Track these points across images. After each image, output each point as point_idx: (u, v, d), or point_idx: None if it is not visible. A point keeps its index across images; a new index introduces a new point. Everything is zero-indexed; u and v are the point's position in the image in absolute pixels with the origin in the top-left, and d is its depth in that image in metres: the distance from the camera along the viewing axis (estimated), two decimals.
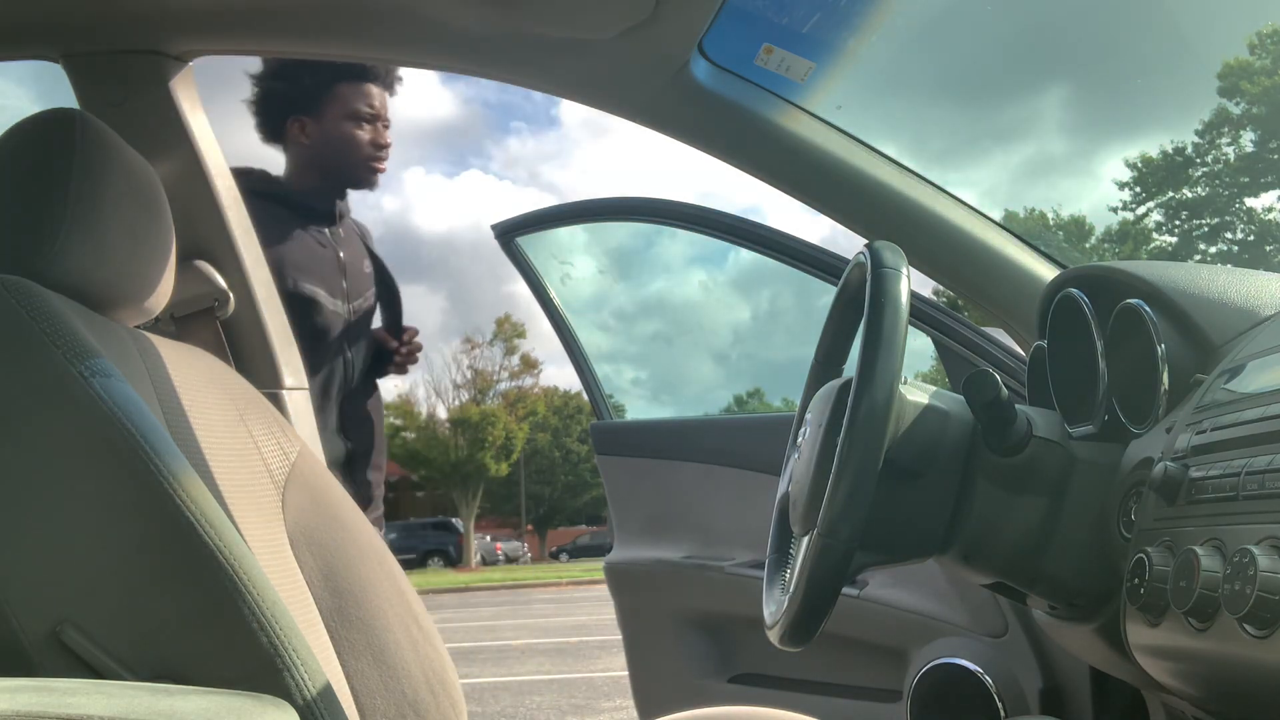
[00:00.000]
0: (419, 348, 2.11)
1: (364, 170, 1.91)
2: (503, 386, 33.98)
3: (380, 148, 1.90)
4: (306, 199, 1.92)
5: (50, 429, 0.78)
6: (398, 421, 31.48)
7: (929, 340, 1.77)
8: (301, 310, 1.80)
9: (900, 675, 1.82)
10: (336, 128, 1.87)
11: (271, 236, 1.78)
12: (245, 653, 0.75)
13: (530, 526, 37.54)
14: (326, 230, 1.93)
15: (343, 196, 1.98)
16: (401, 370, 2.09)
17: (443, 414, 32.99)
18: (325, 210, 1.94)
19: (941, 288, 1.61)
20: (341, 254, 1.93)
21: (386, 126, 1.92)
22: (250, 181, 1.84)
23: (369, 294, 2.01)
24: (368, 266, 2.02)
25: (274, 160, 1.97)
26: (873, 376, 0.98)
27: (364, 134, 1.87)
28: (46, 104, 1.00)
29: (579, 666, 7.39)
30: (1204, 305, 1.02)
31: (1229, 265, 1.15)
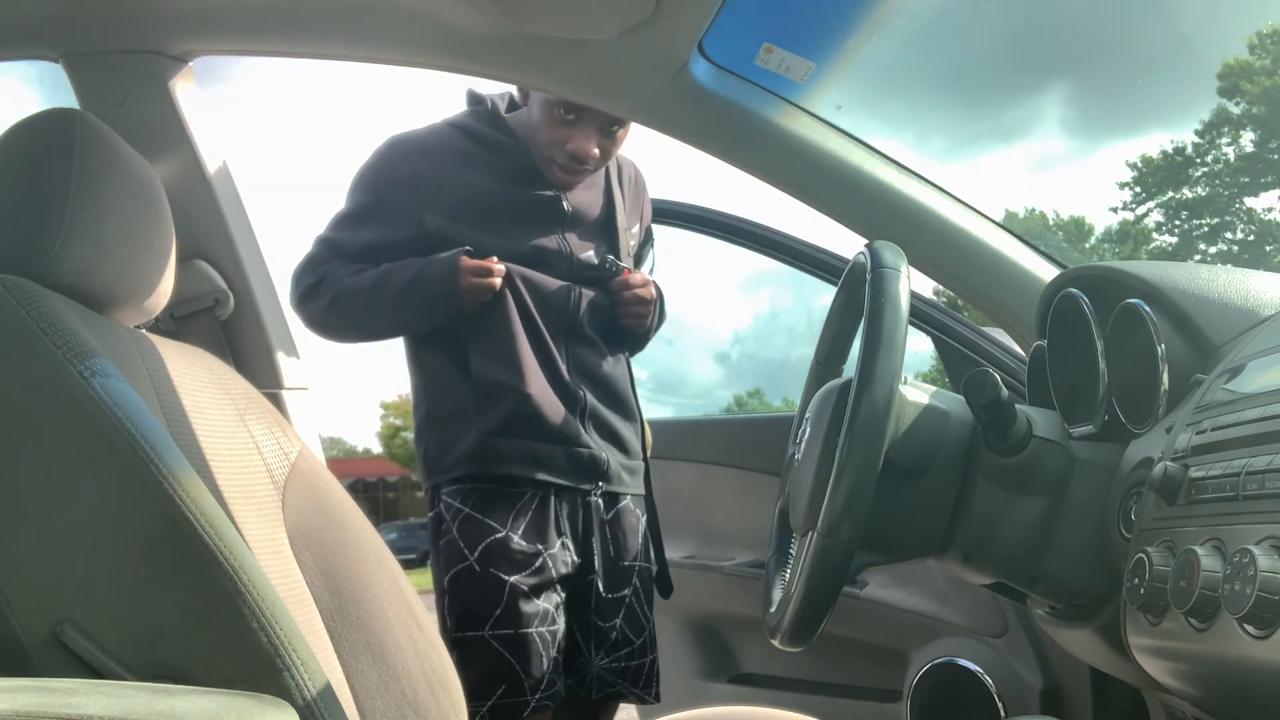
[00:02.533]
0: (638, 299, 1.70)
1: (549, 167, 1.64)
2: None
3: (575, 159, 1.61)
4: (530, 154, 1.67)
5: (50, 429, 0.78)
6: (398, 422, 31.39)
7: (929, 340, 1.77)
8: (515, 270, 1.61)
9: (900, 675, 1.82)
10: (537, 107, 1.63)
11: (483, 180, 1.63)
12: (245, 653, 0.75)
13: None
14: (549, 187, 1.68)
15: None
16: (632, 327, 1.73)
17: None
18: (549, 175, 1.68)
19: (941, 288, 1.61)
20: (565, 204, 1.67)
21: (605, 137, 1.62)
22: (479, 118, 1.69)
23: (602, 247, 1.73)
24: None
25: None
26: (873, 376, 0.98)
27: (559, 130, 1.60)
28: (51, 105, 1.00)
29: None
30: (1204, 305, 1.02)
31: (1229, 265, 1.15)
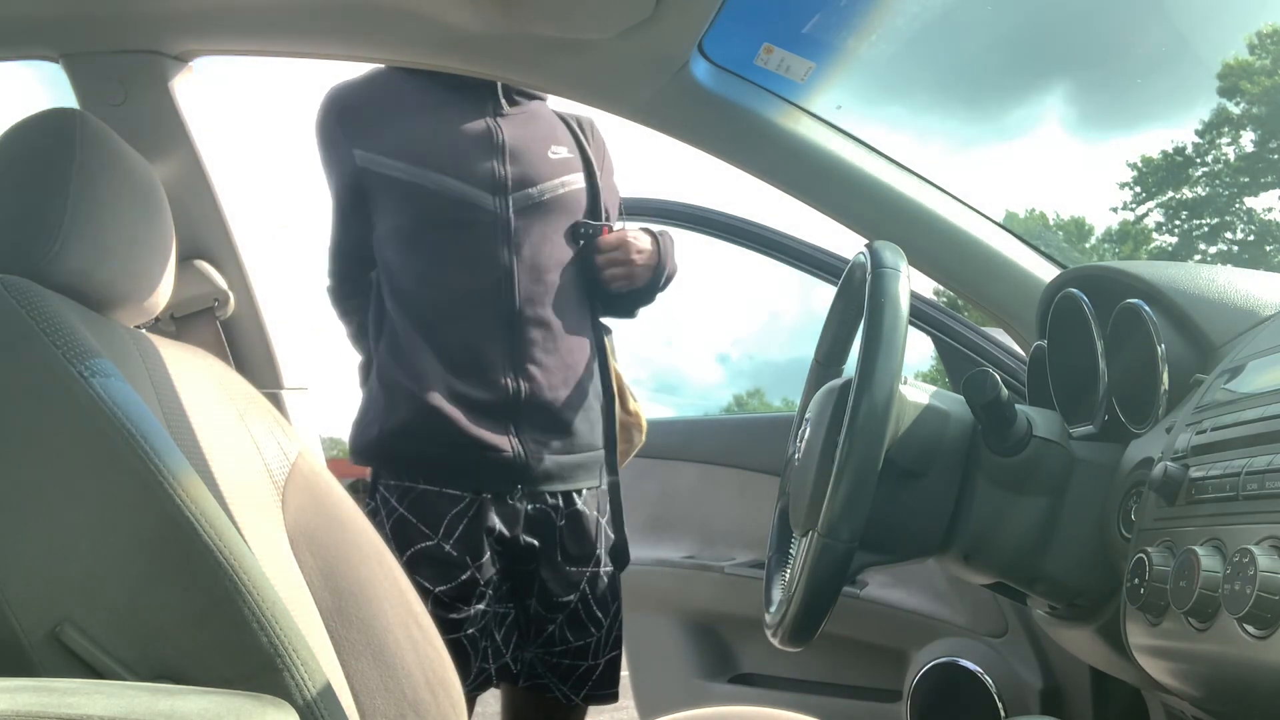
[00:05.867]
0: (620, 255, 1.62)
1: None
2: None
3: None
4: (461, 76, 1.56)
5: (50, 429, 0.78)
6: None
7: (929, 340, 1.77)
8: (435, 206, 1.53)
9: (900, 675, 1.82)
10: None
11: (408, 115, 1.58)
12: (245, 653, 0.75)
13: None
14: (489, 115, 1.59)
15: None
16: (620, 289, 1.64)
17: None
18: (485, 89, 1.60)
19: (941, 288, 1.61)
20: (503, 134, 1.58)
21: None
22: None
23: (554, 184, 1.60)
24: (560, 153, 1.62)
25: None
26: (873, 376, 0.98)
27: None
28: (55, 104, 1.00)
29: None
30: (1204, 305, 1.02)
31: (1229, 265, 1.15)
